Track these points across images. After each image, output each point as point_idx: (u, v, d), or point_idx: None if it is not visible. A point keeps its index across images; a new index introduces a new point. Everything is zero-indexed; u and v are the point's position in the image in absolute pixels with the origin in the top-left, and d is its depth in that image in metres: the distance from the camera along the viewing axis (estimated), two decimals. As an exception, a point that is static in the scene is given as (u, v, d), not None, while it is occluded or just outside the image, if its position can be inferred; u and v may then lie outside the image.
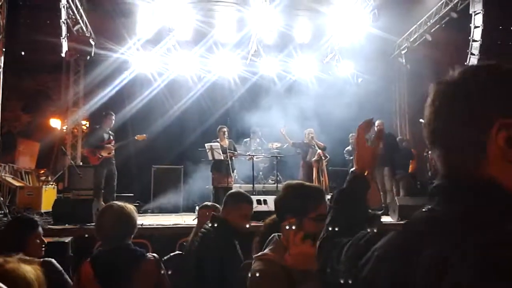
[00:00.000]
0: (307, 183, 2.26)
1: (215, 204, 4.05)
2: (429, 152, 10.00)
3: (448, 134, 0.95)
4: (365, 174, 1.52)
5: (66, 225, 6.50)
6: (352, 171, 1.53)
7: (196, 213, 4.02)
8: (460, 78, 0.96)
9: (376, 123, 8.58)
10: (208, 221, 3.35)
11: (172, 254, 3.80)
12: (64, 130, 12.64)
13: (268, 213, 6.79)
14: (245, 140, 10.61)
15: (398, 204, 7.28)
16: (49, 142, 13.98)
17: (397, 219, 7.18)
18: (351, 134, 9.69)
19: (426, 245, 0.85)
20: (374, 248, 1.00)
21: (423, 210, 0.95)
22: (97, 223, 2.77)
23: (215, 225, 3.29)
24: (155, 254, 2.84)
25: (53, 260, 2.90)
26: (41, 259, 2.78)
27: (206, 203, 4.21)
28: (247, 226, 3.52)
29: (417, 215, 0.95)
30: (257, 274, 1.98)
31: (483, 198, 0.85)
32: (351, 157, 9.95)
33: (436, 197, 0.95)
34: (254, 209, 6.72)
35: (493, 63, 0.95)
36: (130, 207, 2.82)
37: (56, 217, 6.87)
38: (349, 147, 9.84)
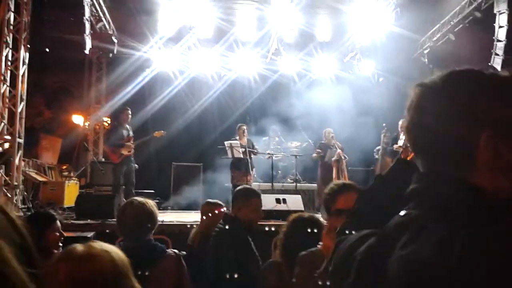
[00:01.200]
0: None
1: (217, 201, 4.04)
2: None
3: (433, 140, 0.93)
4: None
5: (88, 220, 6.61)
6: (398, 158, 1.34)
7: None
8: (446, 82, 0.94)
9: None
10: (221, 220, 3.38)
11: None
12: (86, 127, 12.83)
13: (287, 212, 6.82)
14: (264, 138, 10.61)
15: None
16: (71, 138, 14.22)
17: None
18: (382, 132, 9.61)
19: (397, 248, 0.85)
20: (356, 253, 0.98)
21: (400, 215, 0.94)
22: (119, 219, 2.81)
23: (228, 224, 3.31)
24: (176, 250, 2.87)
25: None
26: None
27: (209, 200, 4.20)
28: (259, 220, 3.55)
29: (393, 220, 0.94)
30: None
31: (465, 202, 0.84)
32: (378, 157, 9.90)
33: (413, 201, 0.93)
34: (274, 208, 6.78)
35: (477, 69, 0.94)
36: (151, 203, 2.85)
37: (78, 212, 7.01)
38: (379, 147, 9.78)
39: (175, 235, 5.87)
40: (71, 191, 9.03)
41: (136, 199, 2.84)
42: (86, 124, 13.08)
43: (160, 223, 6.29)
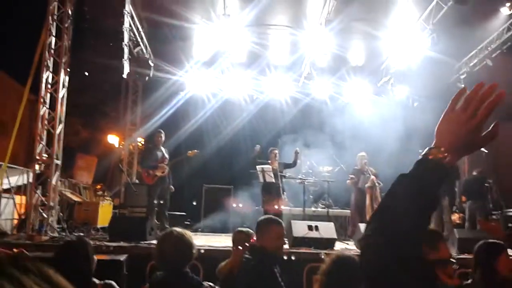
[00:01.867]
0: None
1: (249, 229, 4.03)
2: (490, 181, 9.61)
3: None
4: (443, 157, 1.04)
5: (121, 242, 6.66)
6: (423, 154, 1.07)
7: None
8: None
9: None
10: (247, 251, 3.37)
11: None
12: (121, 147, 13.10)
13: (319, 240, 6.70)
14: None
15: (457, 236, 6.97)
16: (106, 158, 14.56)
17: (456, 251, 6.86)
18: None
19: None
20: None
21: None
22: (157, 248, 2.83)
23: (253, 255, 3.30)
24: (211, 284, 2.86)
25: (113, 282, 2.97)
26: (102, 282, 2.86)
27: (240, 228, 4.19)
28: (282, 248, 3.52)
29: None
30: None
31: None
32: None
33: None
34: (305, 235, 6.68)
35: None
36: (189, 234, 2.87)
37: (112, 234, 7.08)
38: None
39: (206, 260, 5.85)
40: (105, 212, 9.19)
41: (176, 229, 2.86)
42: (121, 145, 13.38)
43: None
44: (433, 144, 1.08)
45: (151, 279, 2.87)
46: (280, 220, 3.60)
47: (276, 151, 8.89)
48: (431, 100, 11.25)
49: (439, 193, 1.08)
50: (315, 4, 9.11)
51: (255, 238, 3.60)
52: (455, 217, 10.27)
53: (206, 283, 2.80)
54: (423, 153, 1.09)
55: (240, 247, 3.42)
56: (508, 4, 8.79)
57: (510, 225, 9.80)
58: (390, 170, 10.17)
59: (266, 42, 10.53)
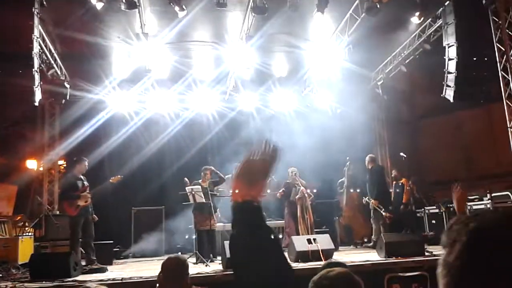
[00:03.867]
0: None
1: (178, 256, 3.92)
2: (410, 183, 10.08)
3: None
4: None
5: (44, 282, 6.22)
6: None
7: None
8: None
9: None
10: None
11: None
12: (41, 170, 12.35)
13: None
14: (227, 176, 10.44)
15: (384, 241, 7.19)
16: (26, 184, 13.63)
17: (384, 255, 7.08)
18: (346, 165, 9.72)
19: None
20: None
21: None
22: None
23: None
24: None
25: None
26: None
27: (170, 255, 4.06)
28: None
29: None
30: None
31: None
32: (342, 190, 9.96)
33: None
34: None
35: None
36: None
37: (33, 272, 6.60)
38: (343, 179, 9.83)
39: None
40: (25, 247, 8.59)
41: (87, 286, 2.65)
42: (40, 168, 12.61)
43: (119, 281, 6.03)
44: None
45: None
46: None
47: (208, 171, 8.74)
48: (352, 108, 11.67)
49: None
50: (235, 20, 9.13)
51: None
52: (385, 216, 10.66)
53: None
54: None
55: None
56: (417, 13, 9.28)
57: (433, 222, 10.33)
58: (318, 177, 10.46)
59: (189, 60, 10.40)
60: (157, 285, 3.53)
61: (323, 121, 11.83)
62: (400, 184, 10.43)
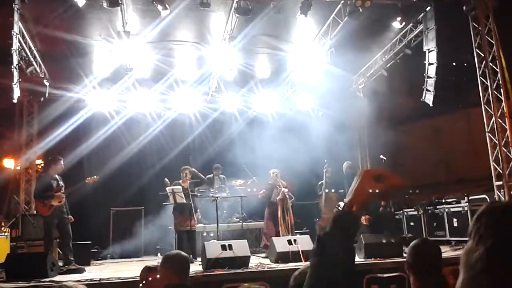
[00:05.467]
0: None
1: (157, 266, 3.90)
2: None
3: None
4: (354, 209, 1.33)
5: (20, 282, 6.10)
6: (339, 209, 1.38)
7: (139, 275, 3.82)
8: None
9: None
10: None
11: None
12: (18, 169, 12.11)
13: (233, 259, 6.64)
14: (208, 176, 10.41)
15: (363, 242, 7.26)
16: (2, 184, 13.35)
17: (363, 256, 7.15)
18: (325, 167, 9.77)
19: None
20: None
21: None
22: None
23: None
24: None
25: None
26: None
27: (148, 265, 4.04)
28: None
29: None
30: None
31: None
32: (321, 192, 10.01)
33: None
34: (219, 256, 6.59)
35: None
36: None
37: (9, 273, 6.47)
38: (322, 181, 9.90)
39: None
40: (1, 247, 8.41)
41: (65, 285, 2.61)
42: (18, 167, 12.36)
43: (97, 281, 5.95)
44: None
45: None
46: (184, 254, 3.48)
47: (188, 170, 8.67)
48: (334, 110, 11.76)
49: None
50: (218, 21, 9.11)
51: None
52: (363, 219, 10.75)
53: None
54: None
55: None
56: (399, 18, 9.40)
57: (412, 224, 10.45)
58: (299, 178, 10.50)
59: (171, 59, 10.33)
60: (143, 282, 3.50)
61: (304, 123, 11.90)
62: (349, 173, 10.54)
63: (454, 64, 10.50)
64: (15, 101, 7.96)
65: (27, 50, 8.47)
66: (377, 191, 1.32)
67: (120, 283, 5.85)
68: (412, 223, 10.45)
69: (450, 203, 9.61)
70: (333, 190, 10.37)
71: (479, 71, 9.12)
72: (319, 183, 10.10)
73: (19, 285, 6.05)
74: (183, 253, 3.38)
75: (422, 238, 2.88)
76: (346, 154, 11.02)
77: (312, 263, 1.26)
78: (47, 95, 9.76)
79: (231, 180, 10.86)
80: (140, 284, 3.62)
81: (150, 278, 3.51)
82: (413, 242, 2.61)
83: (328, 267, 1.23)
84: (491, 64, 8.93)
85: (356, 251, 7.53)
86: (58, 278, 6.49)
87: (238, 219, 10.22)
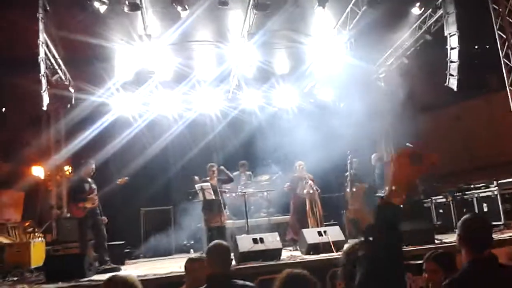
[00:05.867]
0: None
1: (200, 256, 4.00)
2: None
3: None
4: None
5: (59, 283, 6.28)
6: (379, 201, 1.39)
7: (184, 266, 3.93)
8: None
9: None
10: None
11: None
12: (47, 175, 12.40)
13: (265, 252, 6.72)
14: (234, 173, 10.50)
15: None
16: (32, 191, 13.66)
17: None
18: (349, 158, 9.81)
19: None
20: None
21: None
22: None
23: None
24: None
25: None
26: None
27: (191, 256, 4.15)
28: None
29: None
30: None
31: None
32: (347, 184, 10.04)
33: None
34: (251, 249, 6.68)
35: None
36: (132, 277, 2.78)
37: (48, 275, 6.65)
38: (348, 173, 9.96)
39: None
40: (37, 251, 8.63)
41: (117, 276, 2.74)
42: (47, 176, 12.65)
43: (143, 277, 6.09)
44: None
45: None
46: (228, 246, 3.57)
47: (215, 168, 8.77)
48: (355, 101, 11.71)
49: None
50: (237, 18, 9.19)
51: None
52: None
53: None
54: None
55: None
56: (417, 4, 9.34)
57: (441, 211, 10.38)
58: (323, 171, 10.51)
59: (192, 58, 10.45)
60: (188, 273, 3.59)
61: (326, 116, 11.90)
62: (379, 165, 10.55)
63: (476, 47, 10.37)
64: (45, 108, 8.16)
65: (51, 58, 8.66)
66: (417, 173, 1.33)
67: (158, 279, 5.99)
68: (441, 211, 10.37)
69: (479, 188, 9.51)
70: (356, 183, 10.37)
71: (502, 53, 9.00)
72: (346, 174, 10.12)
73: (59, 285, 6.23)
74: (224, 242, 3.47)
75: (473, 213, 2.94)
76: (370, 145, 11.01)
77: (363, 255, 1.31)
78: (73, 101, 9.97)
79: (257, 176, 10.95)
80: (185, 276, 3.71)
81: (194, 269, 3.61)
82: (464, 217, 2.63)
83: (378, 257, 1.30)
84: (513, 45, 8.82)
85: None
86: (96, 277, 6.65)
87: (265, 214, 10.30)
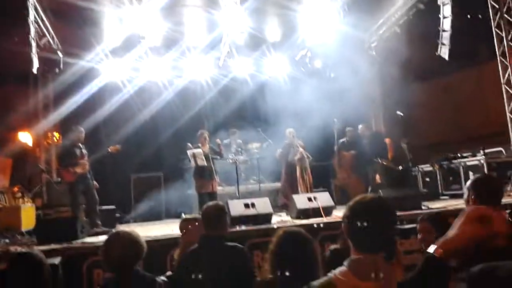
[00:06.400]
0: None
1: (195, 216, 4.05)
2: (406, 142, 10.26)
3: None
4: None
5: (52, 244, 6.31)
6: (428, 256, 1.31)
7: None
8: None
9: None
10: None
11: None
12: (34, 140, 12.27)
13: (257, 216, 6.80)
14: (225, 141, 10.52)
15: (383, 196, 7.39)
16: (21, 157, 13.54)
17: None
18: (335, 126, 9.86)
19: None
20: None
21: None
22: (105, 252, 2.71)
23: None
24: (164, 278, 2.81)
25: None
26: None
27: (185, 216, 4.21)
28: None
29: None
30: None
31: None
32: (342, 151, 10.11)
33: None
34: (243, 213, 6.76)
35: None
36: (136, 233, 2.80)
37: (40, 237, 6.67)
38: (344, 139, 10.02)
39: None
40: (28, 215, 8.61)
41: (121, 230, 2.77)
42: (35, 141, 12.51)
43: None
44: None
45: (101, 284, 2.76)
46: (225, 207, 3.62)
47: (206, 134, 8.77)
48: (346, 70, 11.69)
49: None
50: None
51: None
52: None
53: (158, 279, 2.75)
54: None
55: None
56: (412, -28, 9.25)
57: (427, 179, 10.55)
58: (312, 140, 10.57)
59: (183, 24, 10.29)
60: (183, 232, 3.64)
61: (317, 84, 11.86)
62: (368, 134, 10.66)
63: (468, 16, 10.33)
64: (35, 71, 8.02)
65: (39, 21, 8.47)
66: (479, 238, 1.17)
67: (150, 241, 6.03)
68: (427, 179, 10.55)
69: (465, 157, 9.66)
70: (344, 152, 10.46)
71: (493, 23, 9.01)
72: (340, 141, 10.16)
73: (51, 247, 6.26)
74: (220, 203, 3.51)
75: (484, 173, 3.02)
76: (360, 114, 11.06)
77: None
78: (61, 65, 9.80)
79: (247, 144, 10.98)
80: (181, 236, 3.77)
81: (189, 227, 3.66)
82: (476, 175, 2.73)
83: None
84: (506, 15, 8.82)
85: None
86: (88, 239, 6.70)
87: (255, 181, 10.40)
